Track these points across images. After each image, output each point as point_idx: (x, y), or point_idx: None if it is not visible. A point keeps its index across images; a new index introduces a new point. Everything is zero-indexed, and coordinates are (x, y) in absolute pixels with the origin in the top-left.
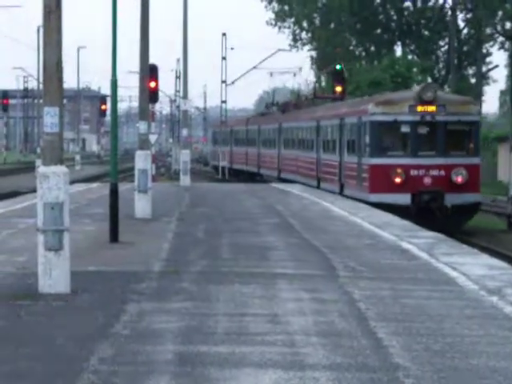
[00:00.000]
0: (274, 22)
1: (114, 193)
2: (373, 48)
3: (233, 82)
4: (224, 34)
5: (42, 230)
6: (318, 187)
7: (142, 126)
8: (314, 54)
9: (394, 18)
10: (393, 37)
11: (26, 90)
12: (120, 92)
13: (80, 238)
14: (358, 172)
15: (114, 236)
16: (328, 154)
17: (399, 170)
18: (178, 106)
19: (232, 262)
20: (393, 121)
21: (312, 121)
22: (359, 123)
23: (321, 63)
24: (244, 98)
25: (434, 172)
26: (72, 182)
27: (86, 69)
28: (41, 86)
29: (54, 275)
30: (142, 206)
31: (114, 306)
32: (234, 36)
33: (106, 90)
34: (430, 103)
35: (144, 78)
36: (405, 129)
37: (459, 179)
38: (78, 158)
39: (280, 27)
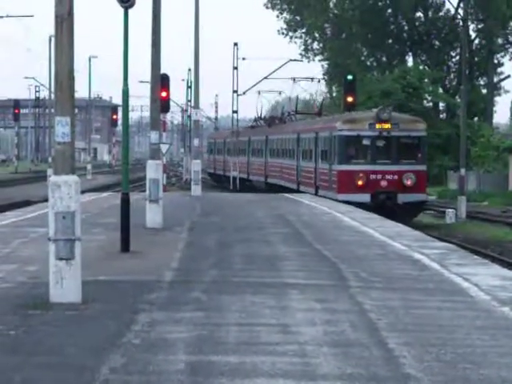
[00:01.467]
0: (285, 32)
1: (125, 202)
2: (384, 58)
3: (244, 92)
4: (236, 44)
5: (53, 240)
6: (298, 189)
7: (153, 136)
8: (325, 64)
9: (406, 28)
10: (404, 47)
11: (37, 99)
12: (131, 102)
13: (91, 247)
14: (329, 176)
15: (125, 245)
16: (306, 161)
17: (361, 175)
18: (189, 116)
19: (243, 272)
20: (356, 135)
21: (294, 134)
22: (330, 137)
23: (332, 73)
24: (255, 108)
25: (389, 176)
26: (83, 192)
27: (97, 78)
28: (52, 95)
29: (65, 285)
30: (153, 215)
31: (125, 316)
32: (246, 46)
33: (117, 99)
34: (386, 122)
35: (155, 88)
36: (366, 142)
37: (409, 182)
38: (89, 167)
39: (291, 37)
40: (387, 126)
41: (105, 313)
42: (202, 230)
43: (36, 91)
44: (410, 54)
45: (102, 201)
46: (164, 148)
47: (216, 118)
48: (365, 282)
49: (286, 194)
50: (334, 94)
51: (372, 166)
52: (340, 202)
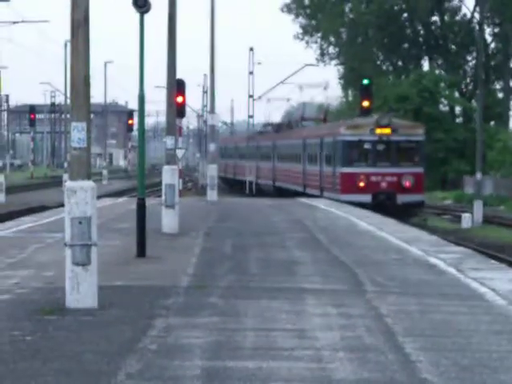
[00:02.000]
0: (301, 36)
1: (141, 207)
2: (400, 63)
3: (260, 97)
4: (251, 49)
5: (69, 245)
6: (304, 192)
7: (169, 141)
8: (341, 68)
9: (422, 32)
10: (420, 51)
11: (53, 104)
12: (147, 107)
13: (107, 252)
14: (332, 178)
15: (142, 251)
16: (311, 165)
17: (362, 177)
18: (205, 121)
19: (259, 277)
20: (358, 140)
21: (299, 139)
22: (334, 142)
23: (348, 78)
24: (271, 113)
25: (389, 178)
26: (99, 197)
27: (113, 84)
28: (68, 100)
29: (81, 290)
30: (169, 220)
31: (141, 321)
32: (262, 51)
33: (133, 104)
34: (385, 127)
35: (171, 93)
36: (367, 146)
37: (407, 184)
38: (105, 172)
39: (307, 42)
40: (387, 131)
41: (121, 318)
42: (218, 235)
43: (52, 96)
44: (426, 58)
45: (117, 206)
46: (180, 153)
47: (232, 123)
48: (381, 287)
49: (302, 199)
50: (350, 99)
51: (373, 169)
52: (343, 202)
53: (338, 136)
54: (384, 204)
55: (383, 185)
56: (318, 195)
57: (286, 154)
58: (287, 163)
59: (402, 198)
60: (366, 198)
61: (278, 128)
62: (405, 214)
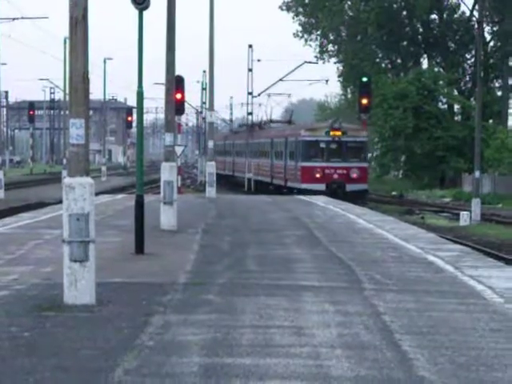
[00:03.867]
0: (300, 34)
1: (139, 204)
2: (399, 60)
3: (259, 94)
4: (250, 46)
5: (67, 241)
6: (271, 182)
7: (168, 138)
8: (340, 66)
9: (421, 30)
10: (419, 49)
11: (52, 101)
12: (146, 103)
13: (105, 249)
14: (294, 171)
15: (140, 247)
16: (278, 160)
17: (318, 170)
18: (204, 118)
19: (258, 274)
20: (315, 140)
21: (268, 138)
22: (296, 141)
23: (347, 75)
24: (271, 109)
25: (339, 171)
26: (98, 193)
27: (112, 80)
28: (67, 97)
29: (79, 286)
30: (167, 217)
31: (139, 318)
32: (261, 48)
33: (132, 101)
34: (337, 130)
35: (170, 90)
36: (322, 145)
37: (354, 175)
38: (103, 169)
39: (306, 39)
40: (338, 133)
41: (119, 315)
42: (216, 232)
43: (51, 93)
44: (425, 56)
45: (116, 202)
46: (179, 150)
47: (231, 120)
48: (379, 285)
49: (301, 196)
50: (349, 96)
51: (327, 163)
52: (302, 189)
53: (299, 136)
54: (336, 192)
55: (335, 176)
56: (283, 184)
57: (257, 151)
58: (258, 159)
59: (350, 187)
60: (321, 186)
61: (251, 128)
62: (353, 199)
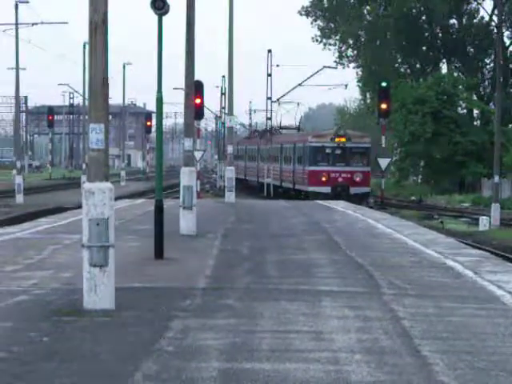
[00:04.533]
0: (319, 39)
1: (159, 209)
2: (418, 65)
3: (278, 99)
4: (270, 51)
5: (87, 246)
6: (281, 185)
7: (187, 143)
8: (359, 71)
9: (440, 35)
10: (438, 54)
11: (71, 106)
12: (165, 108)
13: (125, 254)
14: (302, 175)
15: (159, 252)
16: (286, 164)
17: (324, 173)
18: (223, 123)
19: (277, 279)
20: (321, 146)
21: (278, 144)
22: (303, 147)
23: (366, 80)
24: (289, 115)
25: (344, 175)
26: (117, 198)
27: (131, 85)
28: (86, 102)
29: (98, 291)
30: (186, 222)
31: (158, 323)
32: (280, 53)
33: (151, 106)
34: (342, 137)
35: (189, 95)
36: (328, 150)
37: (357, 179)
38: (123, 174)
39: (325, 44)
40: (343, 139)
41: (138, 319)
42: (235, 237)
43: (70, 98)
44: (444, 61)
45: (135, 207)
46: (198, 155)
47: (250, 125)
48: (398, 290)
49: (320, 201)
50: (368, 101)
51: (332, 167)
52: (309, 192)
53: (307, 142)
54: (340, 194)
55: (340, 180)
56: (291, 187)
57: (268, 156)
58: (268, 163)
59: (353, 190)
60: (327, 189)
61: (262, 134)
62: (356, 201)
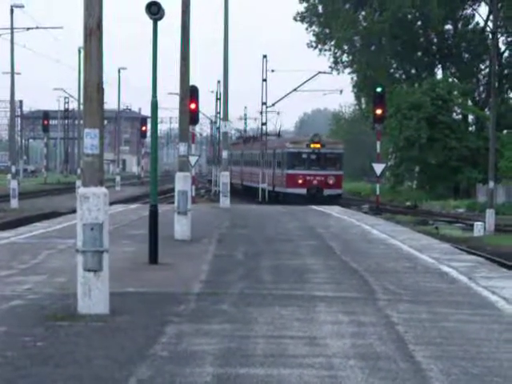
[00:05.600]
0: (314, 45)
1: (153, 214)
2: (413, 71)
3: (273, 104)
4: (265, 56)
5: (81, 251)
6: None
7: (182, 148)
8: (354, 76)
9: (435, 41)
10: (433, 60)
11: (66, 110)
12: (160, 113)
13: (119, 259)
14: (281, 177)
15: (154, 257)
16: (267, 168)
17: (301, 177)
18: (218, 128)
19: (271, 285)
20: (298, 152)
21: (259, 150)
22: (282, 152)
23: (361, 86)
24: (284, 121)
25: (318, 178)
26: (112, 203)
27: (126, 90)
28: (81, 106)
29: (93, 296)
30: (181, 227)
31: (152, 328)
32: (275, 58)
33: (146, 111)
34: (317, 143)
35: (184, 100)
36: (304, 156)
37: (330, 182)
38: (118, 178)
39: (321, 50)
40: (317, 145)
41: (132, 324)
42: (230, 242)
43: (65, 102)
44: (440, 66)
45: (130, 212)
46: (193, 160)
47: (245, 130)
48: (393, 295)
49: (315, 207)
50: (364, 106)
51: (307, 171)
52: (287, 193)
53: (285, 148)
54: (315, 195)
55: (314, 182)
56: (271, 189)
57: (250, 161)
58: (250, 167)
59: (327, 192)
60: (303, 190)
61: (246, 140)
62: (329, 202)
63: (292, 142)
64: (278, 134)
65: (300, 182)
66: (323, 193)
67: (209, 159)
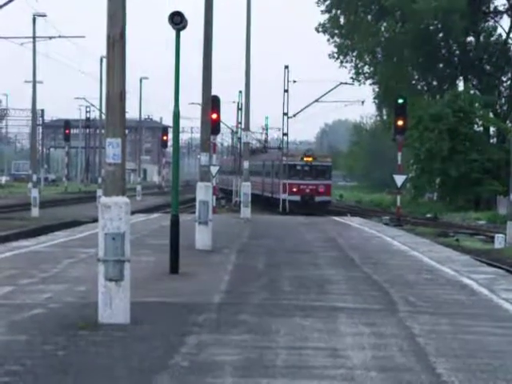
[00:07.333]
0: (336, 56)
1: (174, 224)
2: (435, 82)
3: (294, 115)
4: (286, 67)
5: (102, 260)
6: (262, 194)
7: (204, 158)
8: (376, 87)
9: (457, 52)
10: (455, 71)
11: (87, 119)
12: (182, 123)
13: (140, 268)
14: (279, 186)
15: (174, 267)
16: (267, 178)
17: (295, 185)
18: (239, 138)
19: (292, 295)
20: (293, 164)
21: (261, 161)
22: (279, 164)
23: (383, 97)
24: (305, 131)
25: (311, 187)
26: (133, 213)
27: (148, 99)
28: (103, 116)
29: (114, 306)
30: (202, 237)
31: (173, 338)
32: (297, 69)
33: (167, 120)
34: (309, 156)
35: (206, 110)
36: (298, 167)
37: (321, 190)
38: (138, 188)
39: (342, 61)
40: (310, 159)
41: (153, 334)
42: (251, 253)
43: (86, 111)
44: (461, 78)
45: (151, 222)
46: (214, 170)
47: (266, 141)
48: (413, 307)
49: (335, 217)
50: (385, 117)
51: (301, 181)
52: (284, 200)
53: (282, 161)
54: (308, 202)
55: (307, 190)
56: (270, 196)
57: (253, 171)
58: (253, 177)
59: (318, 199)
60: (297, 197)
61: (252, 152)
62: (320, 208)
63: (288, 154)
64: (279, 147)
65: (295, 190)
66: (315, 200)
67: (225, 169)
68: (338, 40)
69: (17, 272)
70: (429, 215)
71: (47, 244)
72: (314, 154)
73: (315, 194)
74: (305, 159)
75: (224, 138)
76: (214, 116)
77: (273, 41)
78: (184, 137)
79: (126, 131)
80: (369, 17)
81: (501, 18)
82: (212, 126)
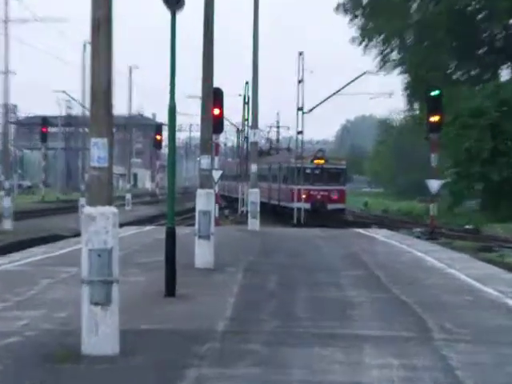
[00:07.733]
0: (359, 41)
1: (170, 238)
2: (474, 71)
3: (310, 110)
4: (301, 54)
5: (87, 281)
6: (269, 201)
7: (204, 161)
8: (405, 77)
9: (500, 36)
10: (498, 58)
11: (68, 116)
12: (179, 120)
13: (131, 290)
14: (287, 192)
15: (171, 289)
16: (274, 183)
17: (305, 192)
18: (245, 137)
19: (308, 321)
20: (303, 167)
21: (267, 164)
22: (287, 167)
23: (414, 88)
24: (323, 128)
25: (322, 193)
26: (122, 225)
27: (138, 92)
28: (86, 112)
29: (100, 334)
30: (203, 253)
31: (169, 371)
32: (313, 57)
33: (161, 117)
34: (320, 159)
35: (207, 104)
36: (308, 171)
37: (334, 197)
38: (128, 196)
39: (366, 46)
40: (321, 161)
41: (146, 367)
42: (260, 271)
43: (67, 107)
44: (505, 66)
45: (143, 236)
46: (216, 175)
47: (277, 140)
48: (450, 334)
49: (358, 230)
50: (417, 113)
51: (312, 186)
52: (293, 208)
53: (290, 164)
54: (319, 210)
55: (318, 197)
56: (277, 204)
57: (260, 175)
58: (259, 182)
59: (330, 206)
60: (307, 205)
61: (260, 154)
62: (332, 217)
63: (297, 157)
64: (288, 149)
65: (305, 196)
66: (327, 207)
67: (229, 173)
68: (360, 22)
69: None
70: (467, 226)
71: (22, 262)
72: (326, 156)
73: (327, 201)
74: (315, 162)
75: (228, 137)
76: (217, 111)
77: (285, 23)
78: (181, 136)
79: (114, 130)
80: None
81: None
82: (214, 124)
